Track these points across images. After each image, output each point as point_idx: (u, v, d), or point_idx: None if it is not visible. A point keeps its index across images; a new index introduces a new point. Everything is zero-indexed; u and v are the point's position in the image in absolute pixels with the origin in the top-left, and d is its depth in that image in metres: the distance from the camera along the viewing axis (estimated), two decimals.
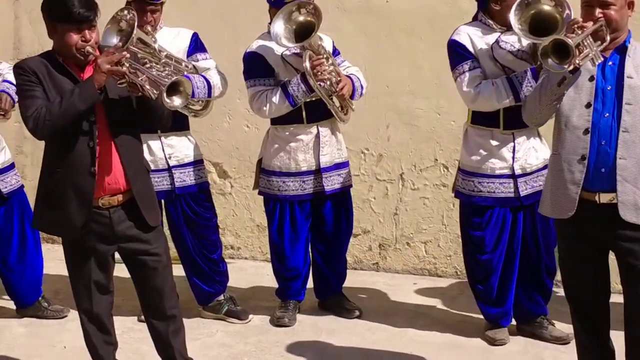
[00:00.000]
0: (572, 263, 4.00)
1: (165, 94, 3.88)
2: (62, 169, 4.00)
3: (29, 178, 6.66)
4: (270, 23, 5.07)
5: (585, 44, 3.68)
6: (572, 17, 4.28)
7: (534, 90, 3.96)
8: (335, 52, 5.34)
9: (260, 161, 5.36)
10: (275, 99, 5.07)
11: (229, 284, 5.55)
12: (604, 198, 3.81)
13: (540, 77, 3.97)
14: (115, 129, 4.03)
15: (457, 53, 4.86)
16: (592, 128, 3.80)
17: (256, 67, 5.16)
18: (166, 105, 3.92)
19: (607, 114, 3.80)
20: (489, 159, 4.91)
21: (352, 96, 5.23)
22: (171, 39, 5.20)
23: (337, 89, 5.08)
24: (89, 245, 4.09)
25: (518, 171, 4.88)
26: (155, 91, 3.86)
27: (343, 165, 5.34)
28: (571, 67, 3.67)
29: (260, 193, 5.38)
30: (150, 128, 4.64)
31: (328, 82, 5.03)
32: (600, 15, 3.76)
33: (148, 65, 4.06)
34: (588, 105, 3.81)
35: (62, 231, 4.13)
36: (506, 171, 4.88)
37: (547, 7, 4.51)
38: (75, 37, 3.93)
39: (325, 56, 5.06)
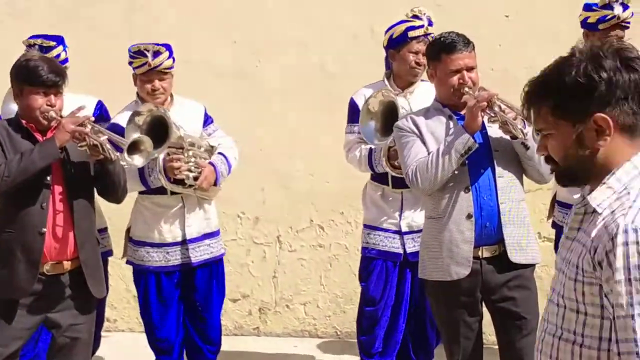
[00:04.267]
0: (454, 324, 4.04)
1: (126, 153, 3.92)
2: (13, 228, 3.96)
3: None
4: None
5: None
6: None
7: (430, 162, 3.91)
8: (208, 121, 5.22)
9: (128, 230, 5.24)
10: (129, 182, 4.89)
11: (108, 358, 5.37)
12: (487, 252, 3.93)
13: (414, 146, 4.03)
14: (70, 192, 4.01)
15: (350, 112, 5.04)
16: (472, 184, 3.93)
17: None
18: (127, 162, 3.95)
19: (483, 170, 3.94)
20: (379, 213, 5.01)
21: (215, 182, 5.05)
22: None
23: (197, 185, 4.92)
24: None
25: (405, 228, 4.97)
26: (116, 153, 3.90)
27: (212, 234, 5.19)
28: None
29: (128, 262, 5.25)
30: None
31: (186, 178, 4.86)
32: (469, 80, 3.96)
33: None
34: (464, 164, 3.93)
35: (8, 292, 4.02)
36: (393, 227, 4.97)
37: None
38: (40, 101, 3.96)
39: (186, 147, 4.89)
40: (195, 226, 5.07)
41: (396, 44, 4.92)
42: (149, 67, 4.84)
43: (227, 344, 5.54)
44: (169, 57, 4.88)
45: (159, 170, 4.81)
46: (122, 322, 6.48)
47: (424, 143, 4.00)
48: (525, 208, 4.02)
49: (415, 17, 4.92)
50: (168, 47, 4.91)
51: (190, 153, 4.90)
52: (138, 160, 4.01)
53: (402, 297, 5.02)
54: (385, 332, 5.06)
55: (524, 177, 4.07)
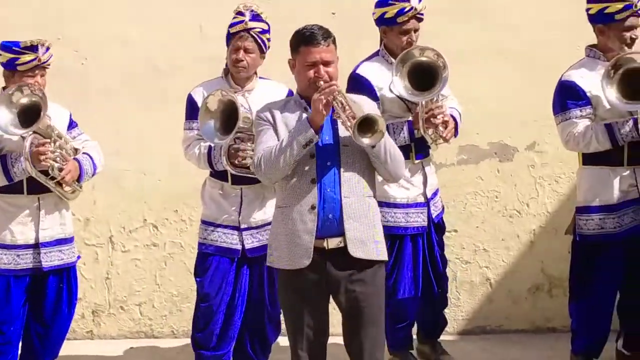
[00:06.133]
0: (299, 313, 4.07)
1: None
2: None
3: None
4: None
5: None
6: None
7: (275, 151, 3.98)
8: (72, 125, 5.17)
9: None
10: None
11: None
12: (332, 243, 3.98)
13: (267, 136, 4.06)
14: None
15: (188, 109, 5.01)
16: (317, 177, 3.98)
17: None
18: None
19: (329, 163, 3.99)
20: (218, 209, 5.00)
21: (79, 179, 5.03)
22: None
23: (60, 177, 4.88)
24: None
25: (243, 225, 4.98)
26: None
27: (67, 241, 5.10)
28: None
29: None
30: None
31: (50, 169, 4.80)
32: (325, 74, 3.99)
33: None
34: (312, 156, 3.99)
35: None
36: (232, 223, 4.98)
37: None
38: None
39: (53, 139, 4.85)
40: (50, 230, 5.00)
41: (227, 40, 4.98)
42: (38, 62, 4.82)
43: (61, 348, 5.40)
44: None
45: (25, 157, 4.71)
46: None
47: (277, 133, 4.06)
48: (372, 205, 4.06)
49: (239, 13, 4.94)
50: None
51: (57, 144, 4.88)
52: None
53: (238, 293, 5.03)
54: (221, 328, 5.05)
55: None
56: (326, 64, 4.01)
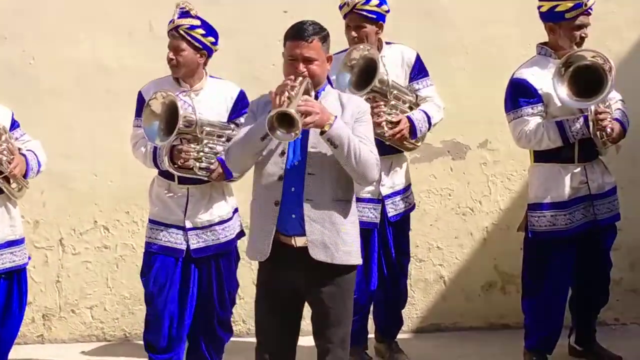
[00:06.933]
0: (264, 309, 4.08)
1: None
2: None
3: None
4: None
5: (299, 105, 3.82)
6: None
7: (238, 141, 4.01)
8: (15, 125, 5.10)
9: None
10: None
11: None
12: (300, 242, 3.97)
13: (246, 128, 4.04)
14: None
15: (138, 106, 4.96)
16: (285, 175, 3.96)
17: None
18: None
19: (298, 162, 3.98)
20: (164, 209, 4.98)
21: (25, 174, 4.99)
22: None
23: (8, 170, 4.83)
24: None
25: (189, 225, 4.94)
26: None
27: (17, 242, 5.05)
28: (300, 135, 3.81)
29: None
30: None
31: None
32: (304, 70, 3.95)
33: None
34: (282, 154, 3.99)
35: None
36: (178, 223, 4.95)
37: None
38: None
39: (1, 131, 4.83)
40: (0, 233, 4.94)
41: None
42: None
43: (9, 354, 5.32)
44: None
45: None
46: None
47: None
48: (342, 209, 4.00)
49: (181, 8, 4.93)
50: None
51: (3, 138, 4.85)
52: None
53: (187, 294, 4.99)
54: (169, 329, 5.01)
55: None
56: (307, 60, 3.97)
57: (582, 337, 5.43)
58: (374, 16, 5.15)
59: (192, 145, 4.81)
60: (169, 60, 4.88)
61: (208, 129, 4.84)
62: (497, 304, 6.16)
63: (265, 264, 4.07)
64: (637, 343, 5.73)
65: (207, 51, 4.93)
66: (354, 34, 5.16)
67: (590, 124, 4.89)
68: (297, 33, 3.98)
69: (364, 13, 5.14)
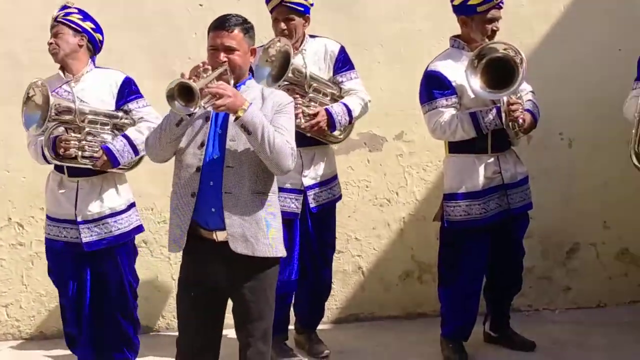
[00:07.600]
0: (186, 304, 4.06)
1: None
2: None
3: None
4: None
5: (211, 87, 3.81)
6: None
7: (156, 128, 4.02)
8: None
9: None
10: None
11: None
12: (221, 236, 3.95)
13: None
14: None
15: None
16: (203, 167, 3.94)
17: None
18: None
19: (217, 155, 3.96)
20: (55, 202, 4.97)
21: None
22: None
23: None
24: None
25: (79, 218, 4.90)
26: None
27: None
28: (196, 109, 3.78)
29: None
30: None
31: None
32: (225, 59, 3.93)
33: None
34: (201, 145, 3.97)
35: None
36: (68, 217, 4.93)
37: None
38: None
39: None
40: None
41: None
42: None
43: None
44: None
45: None
46: None
47: None
48: (262, 201, 4.00)
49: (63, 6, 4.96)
50: None
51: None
52: None
53: (83, 290, 4.98)
54: (76, 324, 5.02)
55: None
56: (228, 49, 3.97)
57: (496, 323, 5.55)
58: (302, 9, 5.17)
59: (73, 134, 4.79)
60: (49, 46, 4.90)
61: (90, 117, 4.84)
62: (415, 294, 6.25)
63: (187, 259, 4.06)
64: (550, 328, 5.88)
65: (88, 35, 4.93)
66: (283, 26, 5.15)
67: (503, 115, 5.00)
68: (220, 23, 4.00)
69: (293, 5, 5.15)
